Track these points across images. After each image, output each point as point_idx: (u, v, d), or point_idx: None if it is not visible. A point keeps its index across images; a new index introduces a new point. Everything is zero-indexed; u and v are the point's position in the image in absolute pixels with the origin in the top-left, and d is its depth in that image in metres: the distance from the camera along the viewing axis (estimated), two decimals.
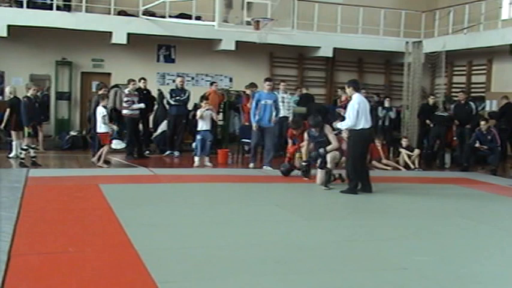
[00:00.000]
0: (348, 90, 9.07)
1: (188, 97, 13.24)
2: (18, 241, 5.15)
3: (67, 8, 14.96)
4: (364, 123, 8.72)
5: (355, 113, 8.62)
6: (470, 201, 8.95)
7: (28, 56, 15.31)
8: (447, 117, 13.67)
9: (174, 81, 14.73)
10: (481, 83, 17.02)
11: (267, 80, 11.87)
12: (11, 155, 11.73)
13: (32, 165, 10.48)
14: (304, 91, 16.16)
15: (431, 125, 13.67)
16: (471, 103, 13.86)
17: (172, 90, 13.48)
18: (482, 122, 12.70)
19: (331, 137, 9.60)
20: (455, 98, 15.23)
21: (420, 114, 14.88)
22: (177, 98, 13.08)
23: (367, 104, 8.98)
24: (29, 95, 11.16)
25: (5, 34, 14.06)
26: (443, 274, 4.80)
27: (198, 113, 11.67)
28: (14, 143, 11.75)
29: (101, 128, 11.02)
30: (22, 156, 10.71)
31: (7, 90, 12.36)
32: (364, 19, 17.14)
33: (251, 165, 11.39)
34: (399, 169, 12.83)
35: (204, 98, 12.53)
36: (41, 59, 15.39)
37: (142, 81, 13.28)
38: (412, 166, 12.91)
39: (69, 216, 6.46)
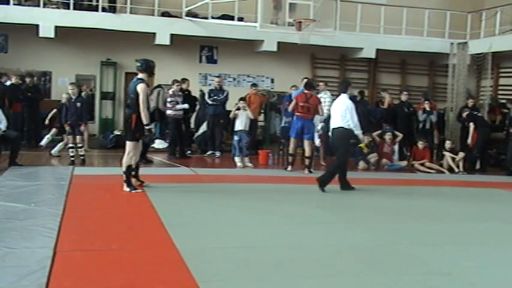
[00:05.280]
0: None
1: (226, 97, 13.30)
2: (63, 237, 5.25)
3: (112, 9, 15.25)
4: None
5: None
6: None
7: (74, 56, 15.64)
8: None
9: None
10: None
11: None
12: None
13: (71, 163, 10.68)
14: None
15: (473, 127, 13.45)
16: None
17: (211, 90, 13.62)
18: None
19: None
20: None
21: (459, 117, 14.62)
22: (215, 97, 13.17)
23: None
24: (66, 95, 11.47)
25: (52, 35, 14.41)
26: (489, 281, 4.67)
27: (231, 113, 11.84)
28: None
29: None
30: (72, 154, 10.93)
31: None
32: (408, 20, 16.89)
33: (289, 168, 11.24)
34: (443, 172, 12.61)
35: (242, 99, 12.55)
36: (87, 59, 15.70)
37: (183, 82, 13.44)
38: (456, 169, 12.67)
39: (112, 214, 6.58)
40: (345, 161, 9.11)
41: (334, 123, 8.97)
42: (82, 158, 10.96)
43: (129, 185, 7.87)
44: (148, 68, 8.00)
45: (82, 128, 11.03)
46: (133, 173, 8.04)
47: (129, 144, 7.88)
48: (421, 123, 13.71)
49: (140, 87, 7.70)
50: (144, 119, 7.71)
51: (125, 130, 8.04)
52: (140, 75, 7.93)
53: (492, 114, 15.58)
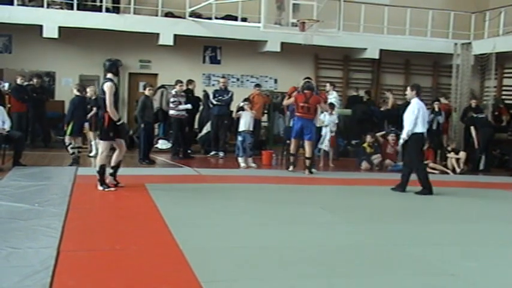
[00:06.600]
0: (410, 93, 9.30)
1: (231, 98, 13.31)
2: (66, 237, 5.26)
3: (116, 10, 15.26)
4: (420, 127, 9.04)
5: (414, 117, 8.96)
6: None
7: (78, 56, 15.66)
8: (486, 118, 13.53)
9: (219, 82, 14.85)
10: None
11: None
12: (91, 154, 11.94)
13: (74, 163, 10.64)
14: (353, 93, 16.07)
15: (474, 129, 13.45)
16: None
17: (215, 90, 13.64)
18: None
19: None
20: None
21: (463, 117, 14.61)
22: (219, 98, 13.19)
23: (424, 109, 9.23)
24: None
25: (56, 35, 14.43)
26: (492, 282, 4.67)
27: (234, 114, 11.93)
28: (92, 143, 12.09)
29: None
30: (78, 155, 10.90)
31: (90, 90, 12.11)
32: (411, 20, 16.88)
33: (290, 168, 11.25)
34: (447, 173, 12.59)
35: (247, 100, 12.57)
36: (90, 59, 15.69)
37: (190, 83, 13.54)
38: (457, 169, 12.68)
39: (115, 214, 6.60)
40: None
41: (422, 128, 9.08)
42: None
43: (102, 184, 7.94)
44: (113, 67, 8.11)
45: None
46: (111, 171, 8.13)
47: (102, 144, 8.03)
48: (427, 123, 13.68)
49: (106, 86, 7.84)
50: (113, 116, 7.84)
51: (99, 130, 8.18)
52: (108, 75, 8.05)
53: (499, 114, 15.55)
